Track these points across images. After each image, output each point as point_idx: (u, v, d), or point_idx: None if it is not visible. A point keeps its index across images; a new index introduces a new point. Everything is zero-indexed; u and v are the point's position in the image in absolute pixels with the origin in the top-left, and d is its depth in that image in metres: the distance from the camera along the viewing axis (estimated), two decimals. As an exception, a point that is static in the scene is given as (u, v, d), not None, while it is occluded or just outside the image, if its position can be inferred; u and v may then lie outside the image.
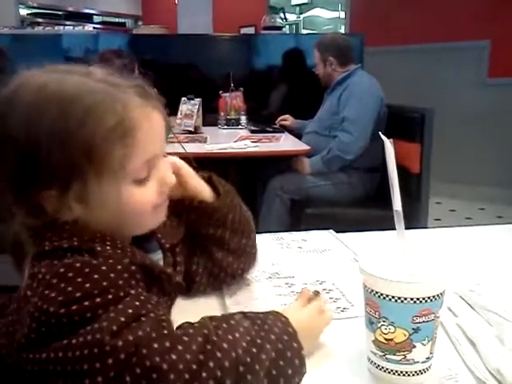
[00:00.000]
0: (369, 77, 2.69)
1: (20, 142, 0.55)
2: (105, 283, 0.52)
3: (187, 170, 0.76)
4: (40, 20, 6.11)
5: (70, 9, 6.64)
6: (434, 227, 2.81)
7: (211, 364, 0.50)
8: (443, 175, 3.58)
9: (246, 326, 0.56)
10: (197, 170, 0.77)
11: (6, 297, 0.60)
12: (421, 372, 0.59)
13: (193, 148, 2.54)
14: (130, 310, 0.51)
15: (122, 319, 0.50)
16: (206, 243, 0.79)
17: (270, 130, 3.04)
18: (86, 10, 6.95)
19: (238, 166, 3.22)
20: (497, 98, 4.07)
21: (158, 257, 0.69)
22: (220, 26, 4.95)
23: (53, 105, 0.55)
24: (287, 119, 3.20)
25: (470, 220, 3.74)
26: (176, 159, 0.73)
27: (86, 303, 0.50)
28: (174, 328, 0.54)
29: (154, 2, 7.34)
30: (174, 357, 0.49)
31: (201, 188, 0.77)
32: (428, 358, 0.59)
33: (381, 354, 0.59)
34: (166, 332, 0.51)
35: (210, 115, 3.20)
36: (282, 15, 4.65)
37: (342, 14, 6.25)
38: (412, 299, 0.56)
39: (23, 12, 6.09)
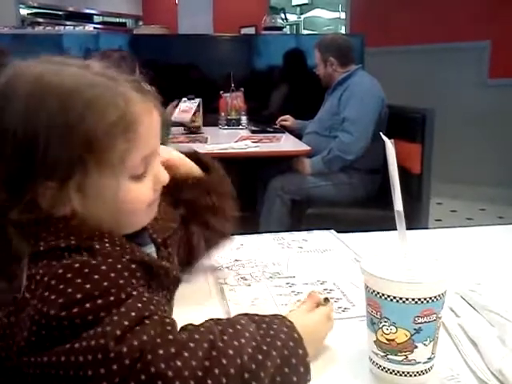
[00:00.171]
0: (369, 77, 2.69)
1: (17, 135, 0.54)
2: (105, 283, 0.51)
3: (176, 157, 0.81)
4: (40, 20, 6.11)
5: (71, 9, 6.65)
6: (434, 228, 2.81)
7: (216, 371, 0.49)
8: (444, 176, 3.58)
9: (252, 330, 0.55)
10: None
11: None
12: (422, 372, 0.59)
13: (193, 148, 2.54)
14: (133, 313, 0.50)
15: (126, 323, 0.49)
16: (201, 213, 0.83)
17: (271, 130, 3.04)
18: (87, 10, 6.95)
19: (238, 167, 3.20)
20: (497, 99, 4.07)
21: (150, 250, 0.68)
22: (220, 26, 4.95)
23: (52, 97, 0.54)
24: (287, 119, 3.20)
25: (470, 220, 3.74)
26: (164, 150, 0.74)
27: (88, 305, 0.49)
28: (178, 328, 0.53)
29: (154, 2, 7.34)
30: (179, 363, 0.48)
31: (191, 167, 0.82)
32: (430, 359, 0.59)
33: (382, 354, 0.59)
34: (171, 337, 0.50)
35: (211, 115, 3.21)
36: (282, 15, 4.66)
37: (343, 15, 6.25)
38: (413, 299, 0.56)
39: (23, 12, 6.09)
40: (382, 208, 2.11)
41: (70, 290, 0.50)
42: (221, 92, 3.24)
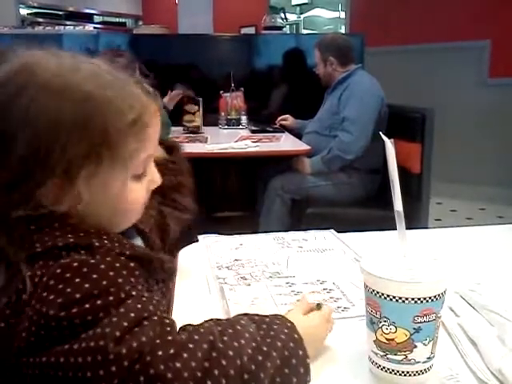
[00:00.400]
0: (369, 77, 2.69)
1: (36, 128, 0.54)
2: (104, 282, 0.51)
3: None
4: (40, 20, 6.11)
5: (71, 9, 6.65)
6: (434, 227, 2.81)
7: (216, 372, 0.49)
8: (444, 175, 3.58)
9: (252, 331, 0.55)
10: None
11: None
12: (422, 372, 0.59)
13: (193, 148, 2.54)
14: (133, 314, 0.50)
15: (125, 324, 0.49)
16: (169, 193, 0.85)
17: (271, 129, 3.04)
18: (87, 10, 6.95)
19: (238, 166, 3.22)
20: (497, 98, 4.07)
21: (138, 243, 0.69)
22: (220, 25, 4.95)
23: (74, 94, 0.55)
24: (287, 119, 3.20)
25: (470, 220, 3.74)
26: None
27: (87, 305, 0.49)
28: (177, 328, 0.53)
29: (154, 1, 7.34)
30: (178, 365, 0.48)
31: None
32: (429, 358, 0.59)
33: (382, 353, 0.59)
34: (170, 338, 0.50)
35: (211, 115, 3.21)
36: (282, 15, 4.65)
37: (343, 14, 6.25)
38: (413, 299, 0.56)
39: (23, 12, 6.09)
40: (381, 208, 2.11)
41: (68, 290, 0.50)
42: (221, 92, 3.24)
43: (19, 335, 0.50)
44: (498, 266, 0.95)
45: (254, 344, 0.53)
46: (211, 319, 0.57)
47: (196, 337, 0.52)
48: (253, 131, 3.03)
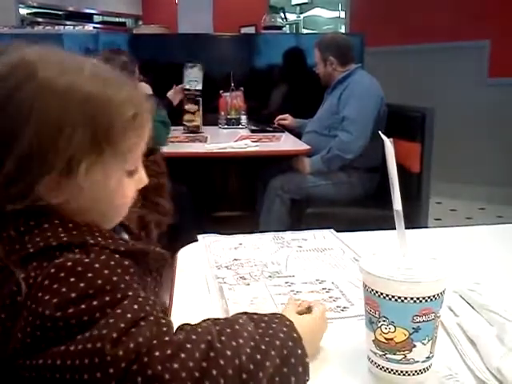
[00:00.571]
0: (369, 76, 2.69)
1: (40, 122, 0.54)
2: (99, 281, 0.51)
3: None
4: (40, 20, 6.10)
5: (71, 8, 6.64)
6: (434, 227, 2.81)
7: (214, 372, 0.49)
8: (443, 175, 3.58)
9: (250, 330, 0.55)
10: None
11: None
12: (421, 371, 0.59)
13: (193, 148, 2.54)
14: (129, 315, 0.50)
15: (122, 325, 0.49)
16: (149, 194, 0.84)
17: (271, 129, 3.04)
18: (87, 10, 6.94)
19: (238, 166, 3.22)
20: (497, 98, 4.07)
21: (124, 238, 0.69)
22: (220, 25, 4.93)
23: (74, 94, 0.56)
24: (286, 118, 3.19)
25: (470, 220, 3.74)
26: None
27: (83, 306, 0.49)
28: (175, 328, 0.53)
29: (154, 1, 7.33)
30: (176, 365, 0.48)
31: None
32: (428, 358, 0.59)
33: (381, 353, 0.59)
34: (167, 338, 0.50)
35: (211, 115, 3.20)
36: (282, 15, 4.65)
37: (342, 14, 6.25)
38: (412, 299, 0.56)
39: (23, 11, 6.08)
40: (381, 207, 2.11)
41: (64, 290, 0.49)
42: (220, 91, 3.24)
43: (15, 337, 0.49)
44: (498, 265, 0.95)
45: (252, 343, 0.53)
46: (209, 318, 0.57)
47: (193, 337, 0.51)
48: (252, 131, 3.03)
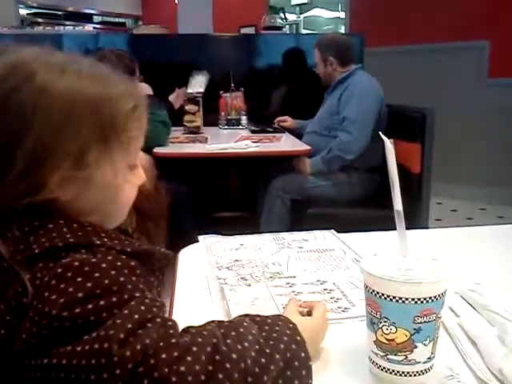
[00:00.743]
0: (369, 77, 2.69)
1: (49, 116, 0.55)
2: (106, 281, 0.51)
3: (147, 161, 0.83)
4: (40, 20, 6.11)
5: (70, 9, 6.65)
6: (434, 227, 2.81)
7: (220, 376, 0.48)
8: (444, 175, 3.58)
9: (255, 333, 0.55)
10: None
11: None
12: (422, 372, 0.59)
13: (193, 148, 2.54)
14: (136, 316, 0.50)
15: (129, 326, 0.48)
16: (144, 222, 0.82)
17: (271, 130, 3.04)
18: (86, 10, 6.95)
19: (238, 167, 3.22)
20: (497, 98, 4.07)
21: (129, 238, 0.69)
22: (220, 25, 4.94)
23: (75, 94, 0.57)
24: (286, 120, 3.19)
25: (470, 220, 3.74)
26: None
27: (90, 306, 0.49)
28: (180, 329, 0.53)
29: (154, 1, 7.34)
30: (182, 368, 0.47)
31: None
32: (429, 359, 0.59)
33: (382, 354, 0.59)
34: (174, 341, 0.50)
35: (211, 115, 3.20)
36: (282, 15, 4.66)
37: (342, 14, 6.24)
38: (413, 299, 0.56)
39: (23, 12, 6.10)
40: (381, 208, 2.11)
41: (70, 289, 0.49)
42: (221, 92, 3.24)
43: (20, 337, 0.49)
44: (498, 266, 0.95)
45: (257, 346, 0.53)
46: (213, 321, 0.57)
47: (199, 339, 0.51)
48: (253, 131, 3.03)
